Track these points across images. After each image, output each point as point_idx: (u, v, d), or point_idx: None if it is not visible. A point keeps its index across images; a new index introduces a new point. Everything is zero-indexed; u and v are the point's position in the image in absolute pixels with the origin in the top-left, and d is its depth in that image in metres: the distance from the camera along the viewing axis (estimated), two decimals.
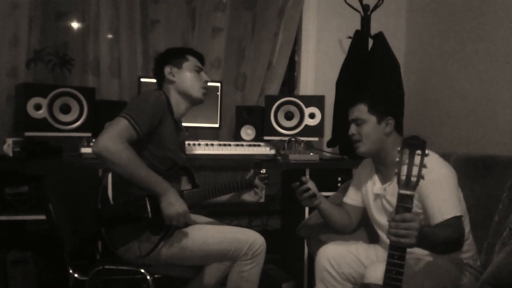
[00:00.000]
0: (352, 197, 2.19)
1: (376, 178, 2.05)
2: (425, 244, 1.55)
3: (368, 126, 1.97)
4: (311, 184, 2.07)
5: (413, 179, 1.43)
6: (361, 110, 1.99)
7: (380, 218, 2.02)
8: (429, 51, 3.27)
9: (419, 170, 1.43)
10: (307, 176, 2.15)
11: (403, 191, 1.43)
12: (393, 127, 1.99)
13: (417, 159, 1.44)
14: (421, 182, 1.75)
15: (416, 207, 1.84)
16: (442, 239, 1.63)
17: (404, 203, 1.43)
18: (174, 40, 3.20)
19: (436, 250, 1.72)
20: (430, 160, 1.82)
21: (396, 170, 1.45)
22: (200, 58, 2.15)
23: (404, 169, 1.44)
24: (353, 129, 2.02)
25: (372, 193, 2.05)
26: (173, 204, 1.85)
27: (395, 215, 1.42)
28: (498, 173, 2.07)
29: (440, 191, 1.77)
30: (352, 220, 2.17)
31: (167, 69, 2.07)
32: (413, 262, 1.86)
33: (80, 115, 2.69)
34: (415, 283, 1.74)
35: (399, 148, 1.48)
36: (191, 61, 2.11)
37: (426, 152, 1.46)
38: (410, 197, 1.43)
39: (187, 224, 1.99)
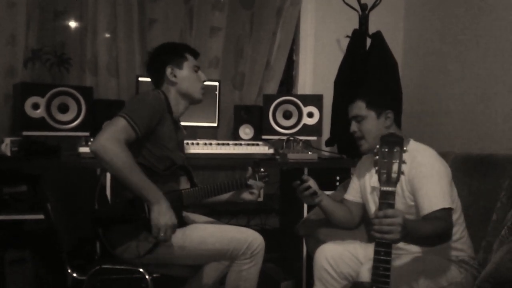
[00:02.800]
0: (352, 193, 2.20)
1: (374, 171, 2.03)
2: (411, 238, 1.57)
3: (368, 122, 2.01)
4: (312, 182, 2.08)
5: (394, 175, 1.46)
6: (359, 107, 2.02)
7: None
8: (427, 50, 3.28)
9: (399, 167, 1.46)
10: (307, 175, 2.16)
11: (384, 188, 1.46)
12: (393, 120, 2.02)
13: (396, 156, 1.46)
14: (414, 174, 1.84)
15: (408, 199, 1.90)
16: (429, 232, 1.65)
17: (386, 199, 1.45)
18: (172, 39, 3.14)
19: (423, 244, 1.75)
20: (424, 154, 1.90)
21: (377, 168, 1.48)
22: (196, 55, 2.14)
23: (384, 166, 1.47)
24: (354, 126, 2.05)
25: (369, 186, 2.07)
26: (164, 214, 1.80)
27: (378, 211, 1.44)
28: (496, 172, 2.08)
29: (431, 184, 1.81)
30: (353, 217, 2.19)
31: (168, 70, 2.05)
32: (407, 259, 1.87)
33: (78, 115, 2.68)
34: (408, 280, 1.75)
35: (378, 146, 1.50)
36: (190, 61, 2.10)
37: (407, 148, 1.48)
38: (392, 194, 1.45)
39: (185, 223, 1.99)
